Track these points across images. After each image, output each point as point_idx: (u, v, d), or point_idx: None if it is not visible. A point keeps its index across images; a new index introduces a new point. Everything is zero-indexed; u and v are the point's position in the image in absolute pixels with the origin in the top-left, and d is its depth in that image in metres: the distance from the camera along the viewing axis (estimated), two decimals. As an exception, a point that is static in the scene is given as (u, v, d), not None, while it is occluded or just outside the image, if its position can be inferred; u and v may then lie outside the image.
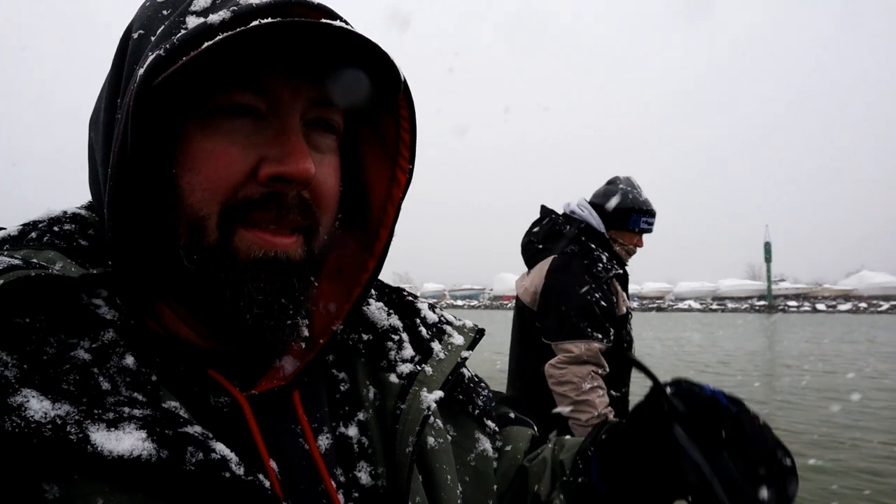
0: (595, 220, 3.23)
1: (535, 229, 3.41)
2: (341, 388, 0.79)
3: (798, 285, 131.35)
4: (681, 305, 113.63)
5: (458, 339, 0.88)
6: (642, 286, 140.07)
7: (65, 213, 0.72)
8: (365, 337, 0.84)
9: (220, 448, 0.57)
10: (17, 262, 0.57)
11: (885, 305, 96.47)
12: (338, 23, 0.60)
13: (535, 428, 1.03)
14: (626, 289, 3.29)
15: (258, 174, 0.64)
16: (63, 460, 0.51)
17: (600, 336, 3.01)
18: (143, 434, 0.53)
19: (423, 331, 0.87)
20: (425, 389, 0.78)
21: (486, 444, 0.90)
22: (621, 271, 3.23)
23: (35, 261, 0.59)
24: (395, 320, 0.87)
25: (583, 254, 3.14)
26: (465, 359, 0.87)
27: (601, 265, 3.10)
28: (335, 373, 0.80)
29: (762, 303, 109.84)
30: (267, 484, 0.58)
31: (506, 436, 0.97)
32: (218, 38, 0.56)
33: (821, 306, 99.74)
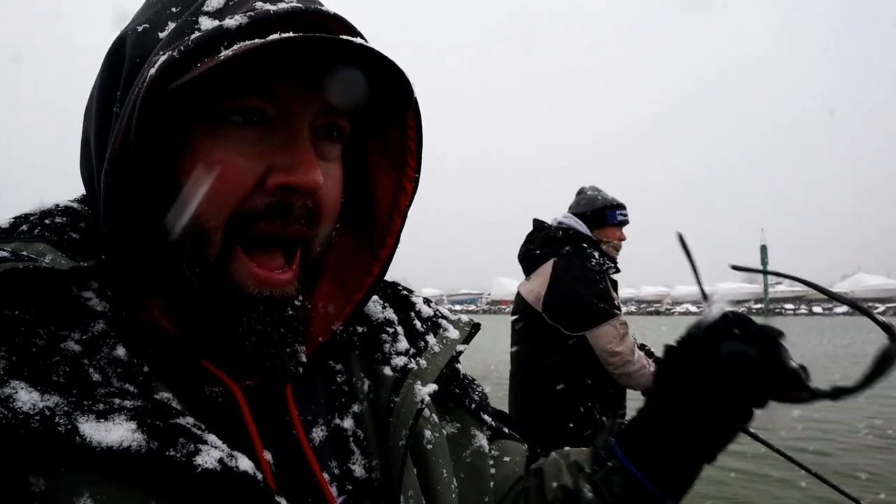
0: (581, 225, 3.58)
1: (532, 239, 3.74)
2: (337, 379, 0.79)
3: (794, 288, 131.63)
4: (678, 309, 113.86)
5: (453, 333, 0.88)
6: (640, 290, 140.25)
7: (56, 205, 0.71)
8: (360, 329, 0.84)
9: (212, 439, 0.56)
10: (5, 254, 0.56)
11: (882, 307, 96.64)
12: (358, 40, 0.61)
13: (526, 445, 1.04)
14: (615, 289, 3.59)
15: (266, 183, 0.63)
16: (51, 452, 0.50)
17: (618, 311, 3.36)
18: (132, 425, 0.52)
19: (418, 324, 0.87)
20: (419, 382, 0.78)
21: (482, 440, 0.90)
22: (613, 266, 3.56)
23: (25, 253, 0.59)
24: (389, 313, 0.87)
25: (578, 253, 3.48)
26: (461, 352, 0.87)
27: (594, 261, 3.45)
28: (332, 364, 0.80)
29: (759, 306, 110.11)
30: (259, 476, 0.58)
31: (503, 447, 0.97)
32: (237, 47, 0.56)
33: (817, 309, 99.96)
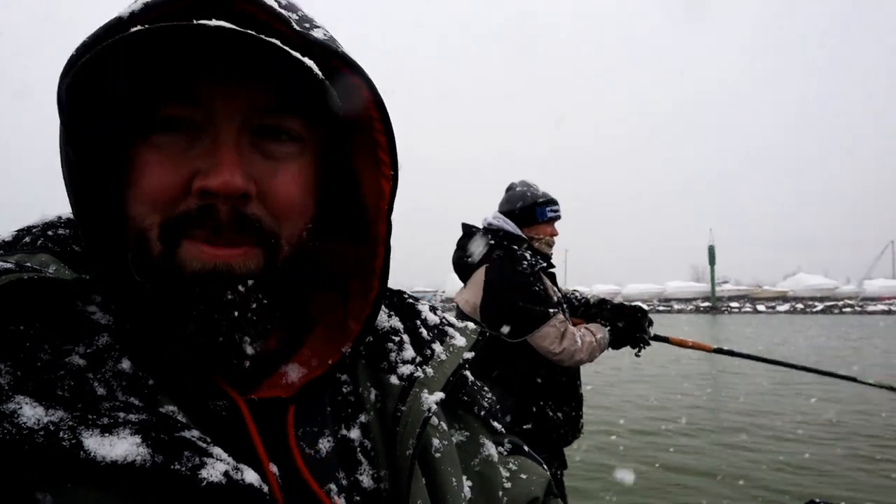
0: (510, 225, 3.49)
1: (463, 245, 3.64)
2: (344, 389, 0.78)
3: (739, 287, 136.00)
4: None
5: (459, 341, 0.87)
6: (591, 288, 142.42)
7: (59, 217, 0.72)
8: (366, 339, 0.82)
9: (218, 452, 0.56)
10: (9, 265, 0.56)
11: (820, 306, 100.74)
12: (215, 22, 0.55)
13: (545, 467, 1.02)
14: (555, 283, 3.59)
15: (191, 188, 0.62)
16: (56, 467, 0.50)
17: (557, 309, 3.33)
18: (137, 439, 0.52)
19: (424, 332, 0.86)
20: (426, 391, 0.77)
21: (490, 448, 0.89)
22: (545, 264, 3.49)
23: (28, 264, 0.59)
24: (395, 322, 0.86)
25: (509, 255, 3.38)
26: (468, 360, 0.86)
27: (526, 262, 3.35)
28: (338, 375, 0.79)
29: (706, 304, 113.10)
30: (266, 489, 0.57)
31: (522, 464, 0.95)
32: (116, 36, 0.54)
33: (761, 307, 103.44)
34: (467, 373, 0.93)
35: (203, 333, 0.62)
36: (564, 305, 3.53)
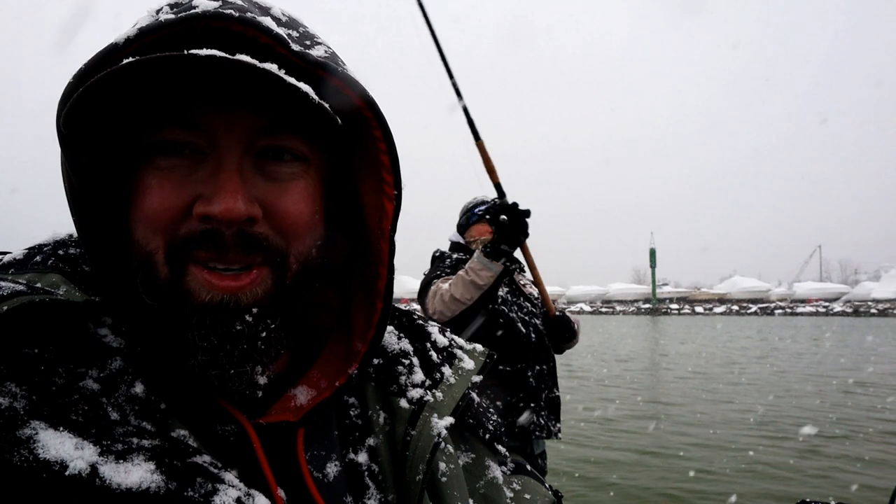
0: (456, 237, 3.84)
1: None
2: (351, 413, 0.78)
3: (679, 289, 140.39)
4: (573, 308, 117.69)
5: (468, 364, 0.87)
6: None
7: (70, 236, 0.71)
8: (375, 361, 0.82)
9: (230, 478, 0.56)
10: (20, 287, 0.56)
11: (754, 308, 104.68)
12: (206, 52, 0.54)
13: (551, 489, 1.02)
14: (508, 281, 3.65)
15: (193, 212, 0.61)
16: (71, 495, 0.49)
17: (440, 273, 3.47)
18: (151, 466, 0.52)
19: (434, 355, 0.86)
20: (436, 415, 0.77)
21: (496, 471, 0.88)
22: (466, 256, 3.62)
23: (39, 285, 0.59)
24: (405, 344, 0.86)
25: (439, 259, 3.70)
26: (476, 383, 0.86)
27: (449, 260, 3.60)
28: (346, 398, 0.78)
29: (647, 305, 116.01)
30: None
31: (525, 483, 0.95)
32: (116, 66, 0.54)
33: (699, 309, 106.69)
34: (474, 394, 0.91)
35: (213, 365, 0.63)
36: (511, 299, 3.56)
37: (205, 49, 0.54)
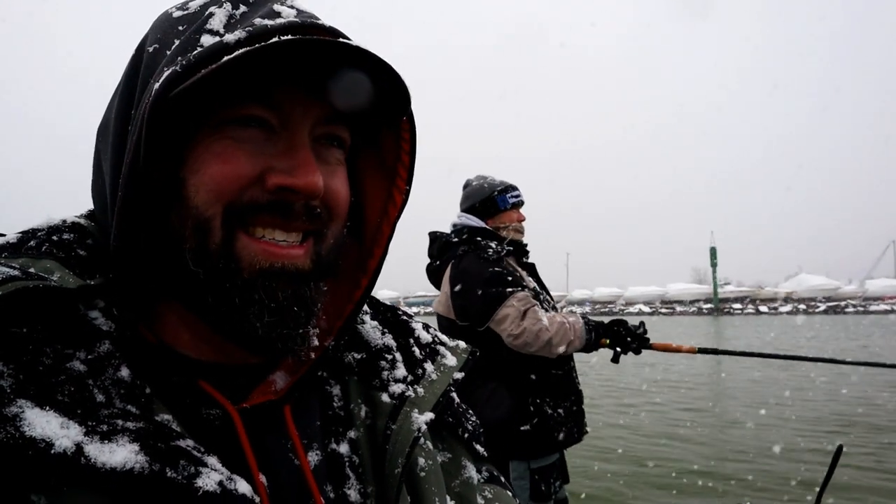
0: (474, 221, 3.43)
1: (432, 253, 3.61)
2: (334, 404, 0.79)
3: (741, 288, 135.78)
4: (631, 309, 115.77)
5: (450, 360, 0.88)
6: (594, 291, 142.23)
7: (64, 221, 0.72)
8: (358, 355, 0.84)
9: (212, 462, 0.57)
10: (14, 272, 0.57)
11: (823, 306, 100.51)
12: (352, 42, 0.63)
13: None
14: (534, 274, 3.47)
15: (265, 182, 0.65)
16: (56, 472, 0.51)
17: (519, 287, 3.14)
18: (135, 447, 0.53)
19: (417, 351, 0.87)
20: (416, 410, 0.78)
21: (471, 471, 0.89)
22: (514, 250, 3.38)
23: (33, 270, 0.59)
24: (388, 339, 0.87)
25: (472, 249, 3.29)
26: (458, 380, 0.87)
27: (491, 250, 3.24)
28: (329, 389, 0.80)
29: (709, 305, 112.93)
30: (257, 500, 0.59)
31: (497, 493, 0.94)
32: (238, 52, 0.58)
33: (763, 308, 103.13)
34: (454, 394, 0.94)
35: (281, 325, 0.66)
36: (542, 296, 3.35)
37: (341, 39, 0.63)
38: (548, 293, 3.48)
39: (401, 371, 0.83)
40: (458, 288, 3.22)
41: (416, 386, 0.82)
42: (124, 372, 0.59)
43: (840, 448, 0.83)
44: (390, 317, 0.93)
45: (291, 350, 0.68)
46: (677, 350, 3.48)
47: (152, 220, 0.66)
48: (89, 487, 0.52)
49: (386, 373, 0.82)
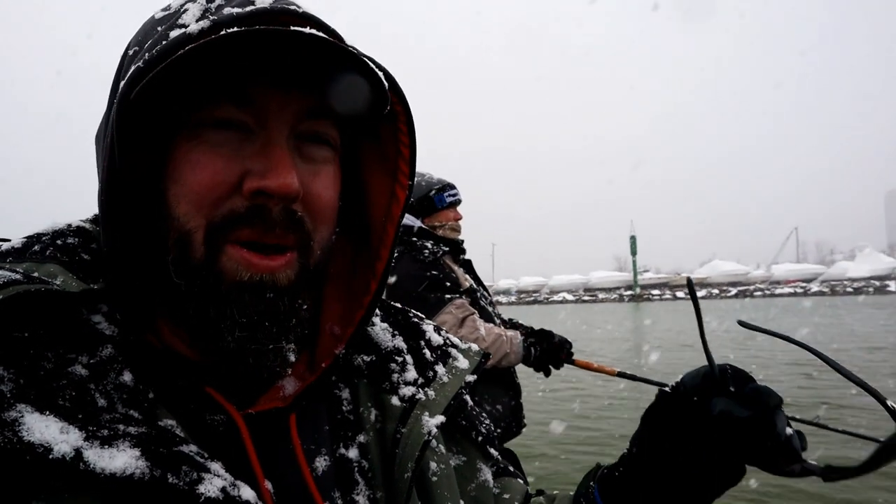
0: (410, 220, 3.34)
1: None
2: (343, 408, 0.78)
3: (660, 275, 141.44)
4: (555, 298, 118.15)
5: (462, 363, 0.87)
6: (519, 280, 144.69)
7: (69, 226, 0.72)
8: (368, 358, 0.82)
9: (216, 468, 0.56)
10: (17, 276, 0.56)
11: (734, 291, 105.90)
12: (308, 30, 0.58)
13: (527, 482, 1.03)
14: (470, 270, 3.39)
15: (242, 188, 0.63)
16: (55, 477, 0.50)
17: (457, 294, 3.10)
18: (136, 452, 0.52)
19: (428, 353, 0.86)
20: (427, 413, 0.77)
21: (487, 474, 0.88)
22: (447, 249, 3.29)
23: (36, 275, 0.59)
24: (399, 342, 0.86)
25: (408, 250, 3.19)
26: (469, 383, 0.85)
27: (427, 251, 3.18)
28: (337, 393, 0.79)
29: (629, 292, 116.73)
30: None
31: (504, 484, 0.96)
32: (196, 43, 0.56)
33: (680, 294, 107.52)
34: (467, 396, 0.91)
35: (252, 340, 0.64)
36: (480, 293, 3.32)
37: (307, 28, 0.58)
38: (485, 289, 3.46)
39: (411, 374, 0.81)
40: (395, 292, 3.07)
41: (426, 389, 0.80)
42: (127, 376, 0.59)
43: (689, 280, 0.83)
44: (401, 319, 0.91)
45: (264, 366, 0.66)
46: (599, 370, 3.36)
47: (138, 228, 0.65)
48: (89, 493, 0.51)
49: (396, 375, 0.80)
